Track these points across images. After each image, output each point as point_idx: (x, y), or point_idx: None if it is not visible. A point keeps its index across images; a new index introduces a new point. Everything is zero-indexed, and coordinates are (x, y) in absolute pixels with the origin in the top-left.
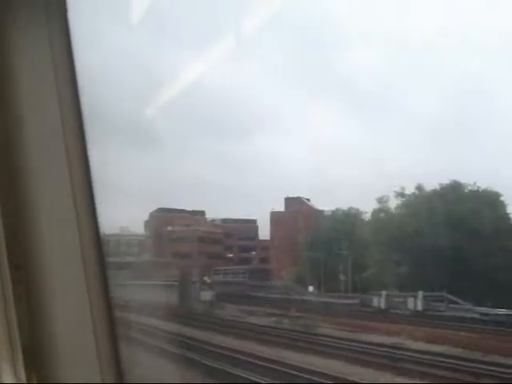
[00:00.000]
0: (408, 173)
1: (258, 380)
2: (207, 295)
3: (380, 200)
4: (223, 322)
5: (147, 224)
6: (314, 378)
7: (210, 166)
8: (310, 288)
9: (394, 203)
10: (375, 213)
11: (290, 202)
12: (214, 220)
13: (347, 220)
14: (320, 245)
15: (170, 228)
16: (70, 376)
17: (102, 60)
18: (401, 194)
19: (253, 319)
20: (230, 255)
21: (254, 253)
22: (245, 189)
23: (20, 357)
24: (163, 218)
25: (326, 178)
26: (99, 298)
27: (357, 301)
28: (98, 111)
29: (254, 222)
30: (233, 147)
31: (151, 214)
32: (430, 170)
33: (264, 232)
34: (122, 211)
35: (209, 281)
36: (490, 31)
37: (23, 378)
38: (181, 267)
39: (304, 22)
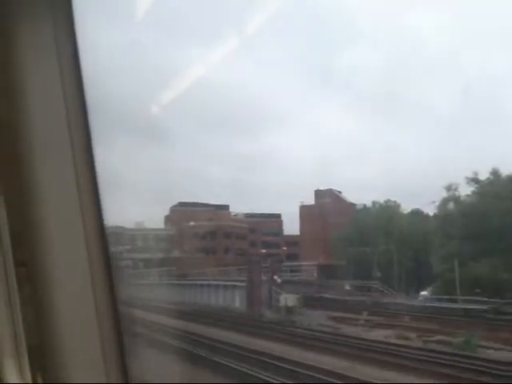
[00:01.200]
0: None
1: None
2: (290, 299)
3: (449, 188)
4: (316, 335)
5: (168, 219)
6: None
7: (216, 162)
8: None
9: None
10: (443, 203)
11: (320, 194)
12: (236, 215)
13: (386, 213)
14: (369, 239)
15: (197, 223)
16: (76, 376)
17: (109, 55)
18: (474, 180)
19: (354, 330)
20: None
21: (284, 248)
22: (258, 186)
23: (25, 357)
24: (186, 213)
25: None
26: (105, 297)
27: (484, 306)
28: (105, 107)
29: (278, 216)
30: (242, 143)
31: (172, 209)
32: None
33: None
34: (134, 207)
35: (279, 280)
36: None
37: (28, 378)
38: (250, 264)
39: (313, 15)
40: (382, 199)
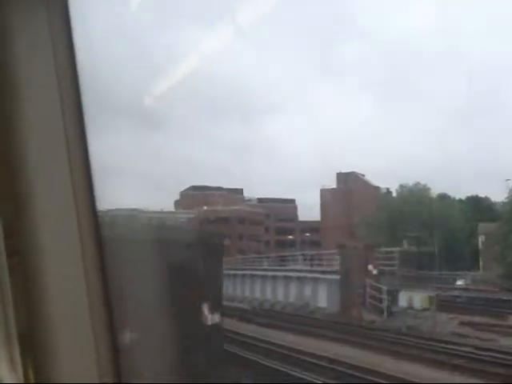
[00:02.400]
0: None
1: None
2: (418, 299)
3: None
4: (465, 352)
5: (178, 204)
6: None
7: (215, 149)
8: None
9: None
10: None
11: (342, 177)
12: (250, 200)
13: (416, 197)
14: (401, 224)
15: (211, 207)
16: (68, 375)
17: (103, 41)
18: None
19: None
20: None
21: (307, 234)
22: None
23: (18, 355)
24: (199, 197)
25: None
26: (98, 294)
27: None
28: (100, 94)
29: (292, 201)
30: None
31: (184, 193)
32: None
33: None
34: (132, 193)
35: (375, 271)
36: None
37: (21, 377)
38: (343, 251)
39: (316, 3)
40: (410, 182)
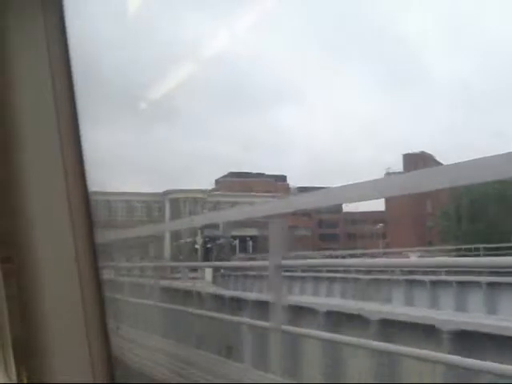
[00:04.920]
0: None
1: None
2: None
3: None
4: None
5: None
6: None
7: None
8: None
9: None
10: None
11: (410, 158)
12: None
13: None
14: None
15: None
16: (62, 375)
17: (110, 28)
18: None
19: None
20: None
21: (381, 224)
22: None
23: (11, 356)
24: (242, 184)
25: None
26: (92, 296)
27: None
28: (109, 85)
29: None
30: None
31: (220, 181)
32: None
33: None
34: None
35: None
36: None
37: (14, 378)
38: None
39: None
40: None
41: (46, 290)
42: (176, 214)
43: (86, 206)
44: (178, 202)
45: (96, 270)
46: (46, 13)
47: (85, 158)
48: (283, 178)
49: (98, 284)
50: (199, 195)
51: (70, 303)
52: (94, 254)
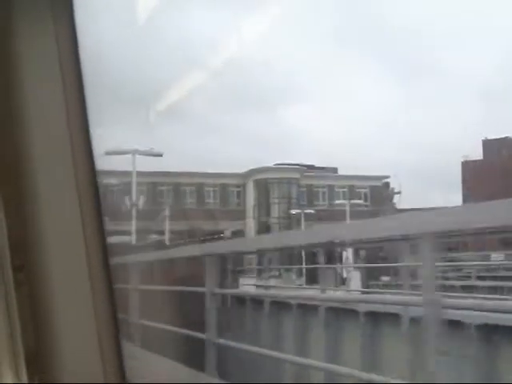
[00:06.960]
0: None
1: None
2: None
3: None
4: None
5: None
6: None
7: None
8: None
9: None
10: None
11: (490, 146)
12: None
13: None
14: None
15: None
16: (73, 377)
17: (122, 33)
18: None
19: None
20: None
21: None
22: None
23: (22, 357)
24: None
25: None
26: (103, 298)
27: None
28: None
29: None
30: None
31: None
32: None
33: None
34: None
35: None
36: None
37: (25, 379)
38: None
39: None
40: None
41: (57, 293)
42: (264, 201)
43: (97, 214)
44: (266, 185)
45: (108, 278)
46: (55, 15)
47: (97, 166)
48: (335, 171)
49: (110, 290)
50: (295, 175)
51: (82, 309)
52: (106, 263)
